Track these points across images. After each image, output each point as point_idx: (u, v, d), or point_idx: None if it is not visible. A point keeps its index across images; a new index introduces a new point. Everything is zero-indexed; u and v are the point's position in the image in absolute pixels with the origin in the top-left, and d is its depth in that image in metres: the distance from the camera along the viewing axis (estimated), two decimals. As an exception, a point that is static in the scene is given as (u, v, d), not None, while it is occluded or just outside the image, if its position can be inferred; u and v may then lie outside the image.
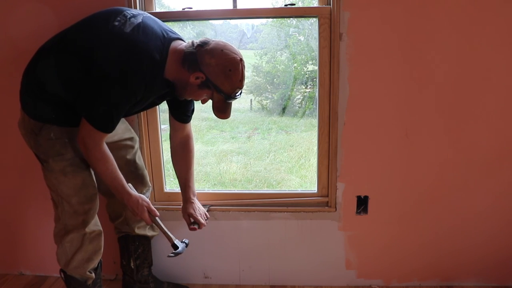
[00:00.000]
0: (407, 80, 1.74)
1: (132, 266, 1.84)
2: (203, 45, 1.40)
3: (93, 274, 1.64)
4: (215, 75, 1.39)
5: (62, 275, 1.63)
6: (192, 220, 1.72)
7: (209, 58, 1.38)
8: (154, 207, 1.81)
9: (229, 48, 1.41)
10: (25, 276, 2.16)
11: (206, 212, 1.78)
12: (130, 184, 1.54)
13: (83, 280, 1.62)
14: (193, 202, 1.74)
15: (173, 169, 1.78)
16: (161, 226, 1.61)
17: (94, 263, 1.63)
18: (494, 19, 1.66)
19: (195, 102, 1.63)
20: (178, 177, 1.77)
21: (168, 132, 1.76)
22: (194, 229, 1.67)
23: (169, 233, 1.62)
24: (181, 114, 1.68)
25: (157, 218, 1.58)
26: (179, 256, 2.01)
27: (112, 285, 2.07)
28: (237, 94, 1.45)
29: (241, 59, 1.41)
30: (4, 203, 2.07)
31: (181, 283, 2.03)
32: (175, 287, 1.98)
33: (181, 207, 1.79)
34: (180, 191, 1.77)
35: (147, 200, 1.56)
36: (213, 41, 1.42)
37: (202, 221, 1.70)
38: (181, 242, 1.64)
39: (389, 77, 1.74)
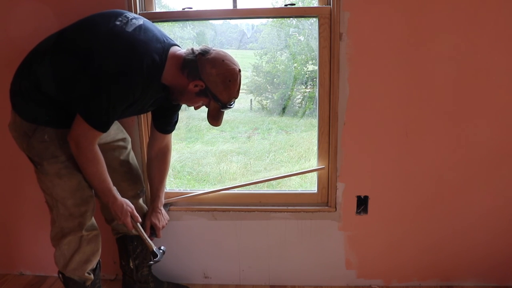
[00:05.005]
0: (407, 80, 1.74)
1: (132, 266, 1.84)
2: (204, 53, 1.42)
3: (91, 275, 1.63)
4: (215, 85, 1.41)
5: (61, 277, 1.63)
6: (148, 229, 1.75)
7: (210, 68, 1.40)
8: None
9: (229, 59, 1.43)
10: (25, 276, 2.16)
11: (167, 220, 1.81)
12: (114, 188, 1.54)
13: (81, 282, 1.62)
14: (159, 213, 1.77)
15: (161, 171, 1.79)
16: (142, 233, 1.62)
17: (93, 264, 1.63)
18: (494, 19, 1.66)
19: (189, 108, 1.63)
20: (150, 185, 1.80)
21: None
22: (151, 239, 1.70)
23: (149, 240, 1.64)
24: (163, 125, 1.69)
25: (138, 224, 1.59)
26: (179, 256, 2.02)
27: (112, 285, 2.07)
28: (231, 104, 1.47)
29: (239, 70, 1.44)
30: (4, 203, 2.08)
31: (181, 283, 2.03)
32: (175, 287, 1.98)
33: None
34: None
35: (131, 205, 1.57)
36: (213, 50, 1.43)
37: (160, 234, 1.76)
38: (159, 249, 1.66)
39: (389, 77, 1.74)
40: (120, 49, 1.35)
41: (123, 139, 1.75)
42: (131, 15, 1.46)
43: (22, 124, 1.44)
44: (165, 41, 1.44)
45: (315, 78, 1.91)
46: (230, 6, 1.81)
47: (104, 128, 1.40)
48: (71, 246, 1.56)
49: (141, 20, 1.45)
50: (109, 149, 1.67)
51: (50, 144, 1.44)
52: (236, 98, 1.48)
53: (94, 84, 1.33)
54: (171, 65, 1.42)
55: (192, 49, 1.44)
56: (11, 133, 1.49)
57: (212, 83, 1.41)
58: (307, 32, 2.11)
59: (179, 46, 1.50)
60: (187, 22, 2.05)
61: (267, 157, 2.61)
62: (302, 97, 2.47)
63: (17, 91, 1.43)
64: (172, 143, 1.79)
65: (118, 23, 1.40)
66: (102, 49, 1.35)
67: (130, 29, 1.39)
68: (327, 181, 1.92)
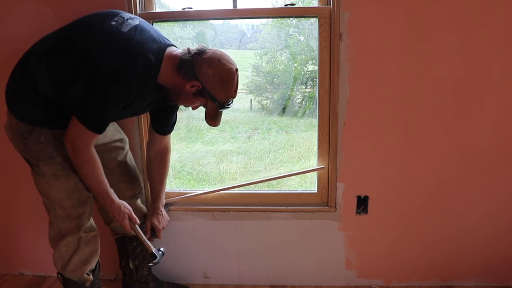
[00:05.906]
0: (407, 80, 1.74)
1: (131, 267, 1.84)
2: (200, 53, 1.41)
3: (91, 276, 1.63)
4: (212, 85, 1.40)
5: (60, 278, 1.63)
6: (149, 230, 1.75)
7: (207, 68, 1.39)
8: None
9: (225, 58, 1.42)
10: (25, 276, 2.16)
11: (167, 221, 1.81)
12: (111, 190, 1.53)
13: (81, 282, 1.61)
14: (160, 214, 1.77)
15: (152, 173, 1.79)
16: (141, 235, 1.61)
17: (92, 265, 1.63)
18: (494, 19, 1.66)
19: (189, 108, 1.62)
20: (150, 187, 1.81)
21: None
22: (152, 240, 1.70)
23: (147, 242, 1.63)
24: (161, 126, 1.68)
25: (136, 226, 1.59)
26: (179, 256, 2.02)
27: (112, 285, 2.07)
28: (229, 103, 1.46)
29: (236, 69, 1.43)
30: (4, 203, 2.08)
31: (181, 283, 2.03)
32: (175, 287, 1.98)
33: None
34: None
35: (129, 207, 1.56)
36: (210, 50, 1.42)
37: (161, 235, 1.75)
38: (158, 250, 1.65)
39: (389, 77, 1.74)
40: (115, 50, 1.34)
41: (121, 140, 1.75)
42: (127, 15, 1.45)
43: (18, 125, 1.42)
44: (161, 41, 1.43)
45: (315, 78, 1.91)
46: (230, 6, 1.81)
47: (100, 129, 1.39)
48: (70, 248, 1.56)
49: (137, 21, 1.44)
50: (106, 150, 1.66)
51: (47, 145, 1.43)
52: (233, 97, 1.47)
53: (89, 85, 1.32)
54: (167, 66, 1.41)
55: (188, 49, 1.43)
56: (7, 134, 1.48)
57: (209, 83, 1.40)
58: (307, 32, 2.12)
59: (175, 47, 1.48)
60: (187, 22, 2.05)
61: (267, 157, 2.61)
62: (302, 97, 2.48)
63: (13, 91, 1.42)
64: (171, 144, 1.78)
65: (113, 23, 1.39)
66: (99, 51, 1.34)
67: (125, 29, 1.38)
68: (327, 181, 1.92)
